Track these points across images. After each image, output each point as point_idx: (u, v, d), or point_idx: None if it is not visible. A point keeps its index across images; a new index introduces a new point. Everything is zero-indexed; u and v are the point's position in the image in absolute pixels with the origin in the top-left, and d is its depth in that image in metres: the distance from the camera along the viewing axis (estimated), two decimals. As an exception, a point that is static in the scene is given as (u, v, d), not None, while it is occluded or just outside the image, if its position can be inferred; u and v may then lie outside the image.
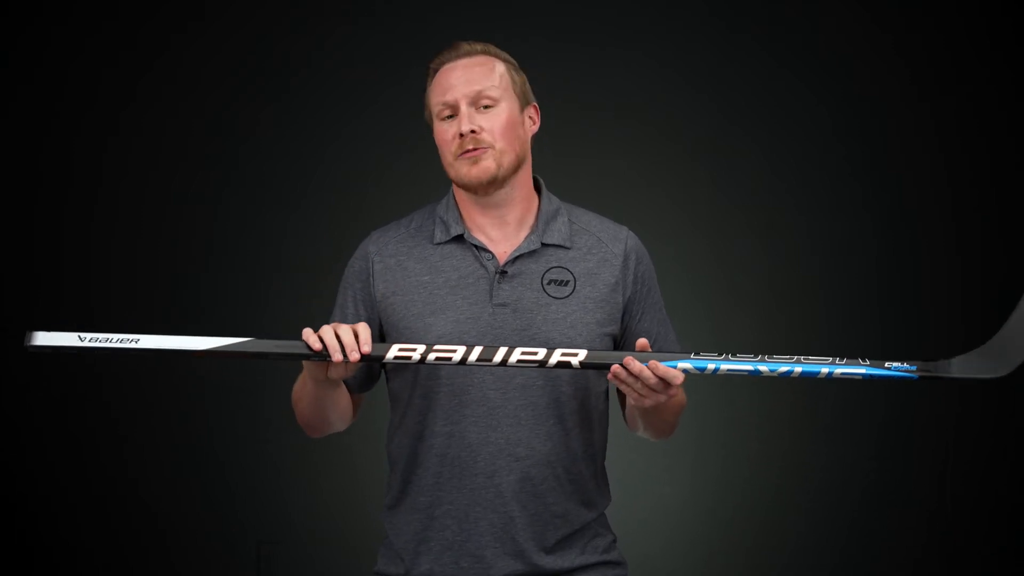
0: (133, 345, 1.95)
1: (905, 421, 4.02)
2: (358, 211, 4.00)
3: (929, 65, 4.06)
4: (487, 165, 2.10)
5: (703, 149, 4.12)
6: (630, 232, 2.22)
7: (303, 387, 2.14)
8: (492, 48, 2.17)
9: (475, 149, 2.09)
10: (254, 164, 4.11)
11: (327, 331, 1.97)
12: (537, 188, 2.21)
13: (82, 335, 1.95)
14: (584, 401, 2.14)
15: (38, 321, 3.93)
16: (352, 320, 2.16)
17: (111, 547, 4.06)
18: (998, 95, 4.03)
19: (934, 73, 4.06)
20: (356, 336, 1.97)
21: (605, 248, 2.18)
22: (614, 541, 2.21)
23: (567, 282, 2.14)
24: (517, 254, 2.14)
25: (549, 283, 2.13)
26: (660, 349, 2.20)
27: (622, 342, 2.18)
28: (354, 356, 1.97)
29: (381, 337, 2.17)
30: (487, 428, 2.09)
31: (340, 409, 2.17)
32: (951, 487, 4.04)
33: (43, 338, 1.95)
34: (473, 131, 2.09)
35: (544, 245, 2.15)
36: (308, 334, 1.98)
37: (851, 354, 4.03)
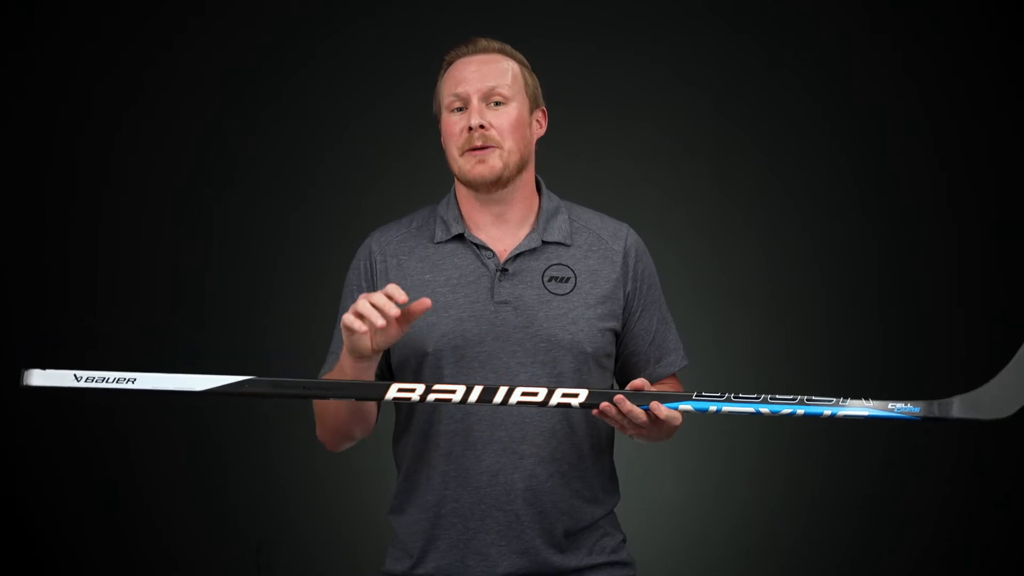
0: (129, 385, 1.96)
1: (909, 428, 4.01)
2: (358, 211, 4.00)
3: (930, 62, 4.06)
4: (493, 164, 2.10)
5: (703, 149, 4.12)
6: (630, 229, 2.23)
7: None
8: (508, 48, 2.18)
9: (483, 147, 2.10)
10: (255, 164, 4.11)
11: (362, 304, 1.92)
12: (538, 188, 2.22)
13: (78, 374, 1.96)
14: None
15: (42, 318, 3.95)
16: None
17: (111, 547, 4.06)
18: (998, 95, 4.03)
19: (934, 72, 4.06)
20: (388, 296, 1.92)
21: (605, 245, 2.19)
22: (623, 541, 2.21)
23: (568, 279, 2.15)
24: (517, 252, 2.14)
25: (550, 280, 2.14)
26: (659, 347, 2.21)
27: (623, 339, 2.19)
28: (393, 311, 1.92)
29: None
30: (491, 426, 2.10)
31: (363, 412, 2.14)
32: (954, 497, 4.04)
33: (39, 377, 1.96)
34: (482, 126, 2.10)
35: (545, 243, 2.16)
36: (349, 320, 1.92)
37: (852, 354, 4.04)
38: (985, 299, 4.02)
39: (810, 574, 4.06)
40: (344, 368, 2.07)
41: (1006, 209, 4.02)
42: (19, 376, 1.95)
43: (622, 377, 2.23)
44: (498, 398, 1.96)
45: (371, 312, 1.92)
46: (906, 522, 4.03)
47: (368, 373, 2.04)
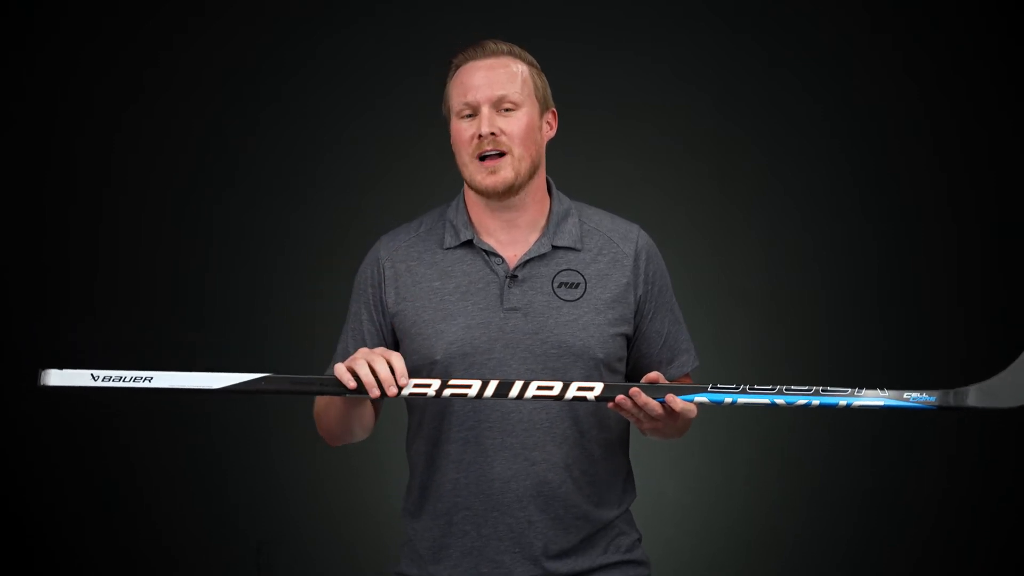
0: (146, 384, 1.95)
1: (907, 425, 4.01)
2: (358, 211, 4.01)
3: (930, 62, 4.06)
4: (505, 175, 2.09)
5: (703, 149, 4.12)
6: (641, 230, 2.21)
7: (329, 401, 2.12)
8: (517, 49, 2.15)
9: (495, 155, 2.09)
10: (255, 164, 4.11)
11: (362, 366, 1.95)
12: (548, 189, 2.20)
13: (95, 373, 1.95)
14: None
15: (45, 318, 3.95)
16: (367, 328, 2.16)
17: (112, 547, 4.06)
18: (998, 95, 4.03)
19: (934, 72, 4.06)
20: (392, 369, 1.95)
21: (616, 248, 2.17)
22: (638, 540, 2.21)
23: (578, 284, 2.13)
24: (527, 258, 2.13)
25: (560, 286, 2.13)
26: (671, 349, 2.21)
27: (635, 342, 2.18)
28: (392, 391, 1.95)
29: (394, 343, 2.17)
30: (502, 433, 2.09)
31: (364, 418, 2.15)
32: (955, 491, 4.04)
33: (56, 377, 1.95)
34: (493, 133, 2.08)
35: (554, 248, 2.15)
36: (341, 371, 1.95)
37: (852, 355, 4.04)
38: (985, 299, 4.01)
39: (811, 568, 4.06)
40: (334, 400, 2.09)
41: (1006, 209, 4.02)
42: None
43: (634, 378, 2.20)
44: (514, 392, 1.97)
45: (369, 380, 1.94)
46: (907, 516, 4.04)
47: (360, 406, 2.08)
